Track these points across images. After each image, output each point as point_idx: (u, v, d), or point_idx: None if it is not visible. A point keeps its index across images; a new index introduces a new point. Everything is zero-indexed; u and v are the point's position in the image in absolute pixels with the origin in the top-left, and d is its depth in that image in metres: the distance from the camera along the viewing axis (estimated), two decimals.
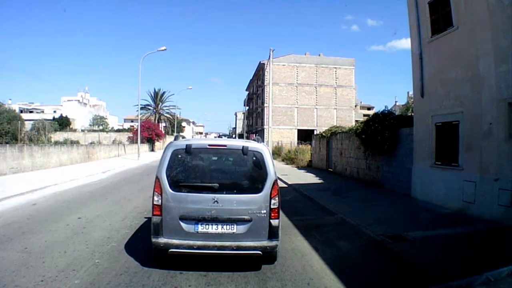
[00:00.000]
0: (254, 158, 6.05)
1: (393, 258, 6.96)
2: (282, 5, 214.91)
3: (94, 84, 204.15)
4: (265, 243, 5.80)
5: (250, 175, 6.11)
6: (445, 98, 12.09)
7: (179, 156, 5.99)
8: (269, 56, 27.28)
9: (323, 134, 24.53)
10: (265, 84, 57.22)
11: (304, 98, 59.88)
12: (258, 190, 5.89)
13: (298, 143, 34.14)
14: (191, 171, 6.04)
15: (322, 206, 11.83)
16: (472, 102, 10.77)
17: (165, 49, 33.31)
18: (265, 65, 56.08)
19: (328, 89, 60.64)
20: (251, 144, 6.20)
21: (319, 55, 63.12)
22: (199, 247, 5.68)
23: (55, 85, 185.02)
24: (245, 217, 5.78)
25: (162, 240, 5.74)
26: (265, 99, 58.91)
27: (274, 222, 5.87)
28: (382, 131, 15.37)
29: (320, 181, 18.66)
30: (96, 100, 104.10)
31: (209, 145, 6.33)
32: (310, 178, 19.61)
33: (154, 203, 5.87)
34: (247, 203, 5.84)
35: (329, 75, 60.78)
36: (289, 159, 31.70)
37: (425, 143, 12.98)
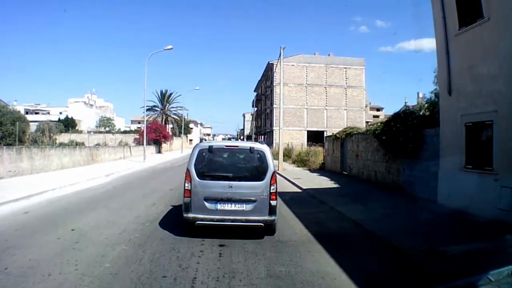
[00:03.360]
0: (258, 155, 8.10)
1: (433, 279, 5.79)
2: (290, 6, 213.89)
3: (102, 86, 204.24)
4: (266, 217, 7.77)
5: (255, 168, 8.11)
6: (476, 95, 10.96)
7: (204, 154, 8.10)
8: (280, 54, 26.15)
9: (337, 135, 23.33)
10: (274, 84, 56.20)
11: (314, 99, 58.78)
12: (261, 178, 7.86)
13: (309, 144, 32.94)
14: (212, 164, 8.17)
15: (343, 215, 10.68)
16: (508, 99, 9.66)
17: (171, 48, 32.30)
18: (274, 65, 55.12)
19: (338, 90, 59.50)
20: (256, 145, 8.44)
21: (329, 55, 62.06)
22: (218, 220, 7.69)
23: (63, 87, 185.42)
24: (252, 198, 7.74)
25: (191, 215, 7.74)
26: (274, 100, 57.88)
27: (273, 203, 7.80)
28: (404, 132, 14.21)
29: (336, 185, 17.50)
30: (103, 102, 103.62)
31: (225, 146, 8.64)
32: (325, 182, 18.44)
33: (185, 188, 7.82)
34: (253, 188, 7.82)
35: (339, 75, 59.65)
36: (300, 161, 30.51)
37: (454, 145, 11.82)
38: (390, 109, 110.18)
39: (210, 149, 8.14)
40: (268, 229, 8.11)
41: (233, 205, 7.76)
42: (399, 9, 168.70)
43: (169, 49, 32.22)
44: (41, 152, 20.77)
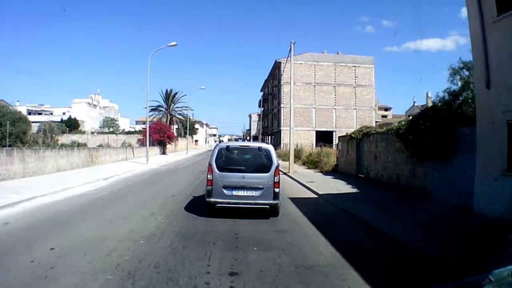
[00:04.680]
0: (265, 153, 10.01)
1: None
2: (295, 5, 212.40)
3: (108, 87, 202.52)
4: (271, 201, 9.58)
5: (263, 163, 9.89)
6: None
7: (222, 151, 10.06)
8: (290, 49, 24.55)
9: (353, 135, 21.68)
10: (282, 83, 54.68)
11: (322, 98, 57.16)
12: (267, 171, 9.71)
13: (320, 145, 31.29)
14: (229, 160, 10.04)
15: (373, 228, 9.09)
16: None
17: (175, 45, 30.84)
18: (282, 63, 53.44)
19: (347, 89, 57.87)
20: (263, 145, 10.64)
21: (337, 53, 60.34)
22: (234, 203, 9.56)
23: (69, 88, 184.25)
24: (260, 186, 9.58)
25: (212, 199, 9.57)
26: (282, 99, 56.34)
27: (276, 190, 9.62)
28: (434, 131, 12.66)
29: (355, 190, 15.90)
30: (108, 103, 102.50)
31: (239, 145, 10.90)
32: (342, 187, 16.83)
33: (208, 178, 9.67)
34: (261, 178, 9.65)
35: (348, 73, 58.02)
36: (311, 162, 28.89)
37: (493, 146, 10.31)
38: (397, 109, 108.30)
39: (228, 148, 10.37)
40: (273, 210, 9.96)
41: (245, 191, 9.65)
42: (405, 9, 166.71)
43: (173, 45, 30.79)
44: (35, 154, 19.33)
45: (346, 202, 12.55)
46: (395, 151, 16.13)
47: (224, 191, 9.57)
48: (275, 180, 9.66)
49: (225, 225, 9.04)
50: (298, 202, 12.77)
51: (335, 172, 24.03)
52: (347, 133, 24.93)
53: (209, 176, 9.72)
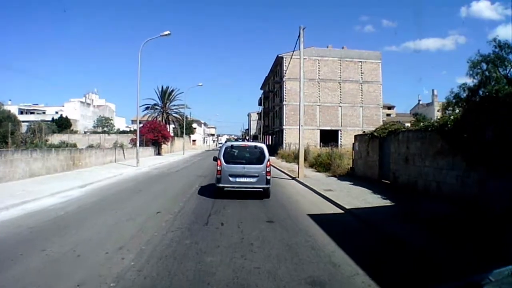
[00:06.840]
0: (260, 150, 13.39)
1: None
2: (295, 3, 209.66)
3: (104, 86, 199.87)
4: (264, 186, 12.85)
5: (258, 157, 13.15)
6: None
7: (228, 149, 13.41)
8: (299, 35, 21.30)
9: (375, 133, 18.43)
10: (284, 79, 51.63)
11: (327, 95, 54.11)
12: (261, 163, 12.94)
13: (331, 145, 28.15)
14: (233, 155, 13.33)
15: (461, 274, 6.04)
16: None
17: (169, 34, 27.76)
18: (284, 58, 50.49)
19: (353, 85, 54.85)
20: (258, 144, 14.10)
21: (343, 47, 57.28)
22: (237, 187, 12.79)
23: (66, 88, 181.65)
24: (256, 174, 12.76)
25: (221, 185, 12.80)
26: (284, 97, 53.32)
27: (268, 177, 12.83)
28: (497, 126, 9.65)
29: (387, 202, 12.72)
30: (105, 102, 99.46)
31: (241, 144, 14.25)
32: (369, 197, 13.61)
33: (218, 169, 12.82)
34: (256, 168, 12.82)
35: (354, 69, 55.02)
36: (320, 164, 25.70)
37: None
38: (398, 108, 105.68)
39: (232, 146, 13.77)
40: (265, 192, 13.15)
41: (245, 178, 12.80)
42: (405, 8, 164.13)
43: (166, 35, 27.71)
44: (1, 157, 16.23)
45: (386, 221, 9.45)
46: (435, 152, 13.02)
47: (230, 178, 12.70)
48: (267, 170, 12.81)
49: (227, 268, 5.91)
50: (324, 223, 9.47)
51: (351, 176, 20.71)
52: (364, 131, 21.86)
53: (218, 167, 12.80)
